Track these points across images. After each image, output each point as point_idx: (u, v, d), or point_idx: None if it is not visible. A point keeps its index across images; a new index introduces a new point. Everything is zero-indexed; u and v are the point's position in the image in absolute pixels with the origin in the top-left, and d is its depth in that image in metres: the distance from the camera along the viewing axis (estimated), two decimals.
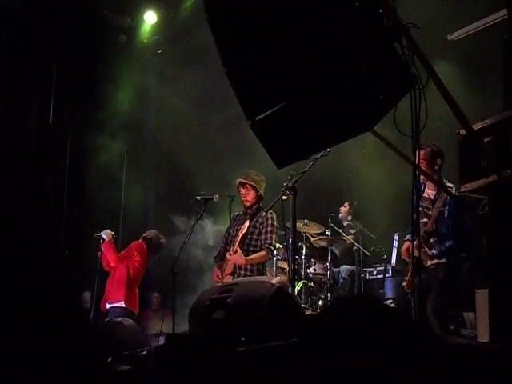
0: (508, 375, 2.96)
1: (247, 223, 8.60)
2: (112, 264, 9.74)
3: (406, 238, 7.90)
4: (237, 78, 3.95)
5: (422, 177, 7.41)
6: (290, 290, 6.65)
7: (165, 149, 13.16)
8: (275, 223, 8.59)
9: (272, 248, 8.57)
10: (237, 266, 8.48)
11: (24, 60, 11.57)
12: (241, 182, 8.71)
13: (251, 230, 8.59)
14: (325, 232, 11.25)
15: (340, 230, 11.32)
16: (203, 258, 10.81)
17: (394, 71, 3.58)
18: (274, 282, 5.03)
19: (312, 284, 10.87)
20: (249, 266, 8.47)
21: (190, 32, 12.20)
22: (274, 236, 8.55)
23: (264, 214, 8.59)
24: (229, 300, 4.91)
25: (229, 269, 8.52)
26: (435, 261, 7.53)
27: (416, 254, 5.40)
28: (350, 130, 3.80)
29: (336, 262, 11.39)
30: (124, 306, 9.52)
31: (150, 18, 12.98)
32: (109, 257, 9.71)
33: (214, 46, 4.18)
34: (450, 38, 10.62)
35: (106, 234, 9.80)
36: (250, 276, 8.33)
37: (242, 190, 8.73)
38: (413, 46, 3.60)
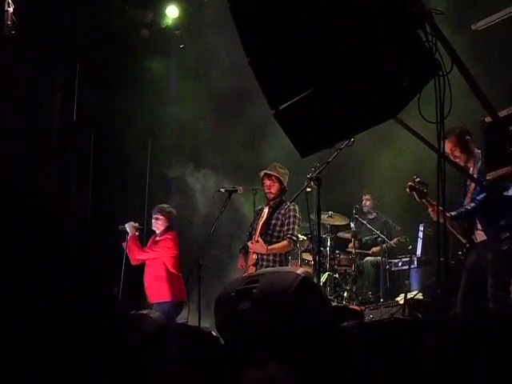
0: None
1: (266, 210, 8.73)
2: (137, 258, 9.70)
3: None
4: (260, 67, 3.94)
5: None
6: (315, 281, 6.64)
7: (187, 142, 13.17)
8: (297, 214, 8.68)
9: (294, 238, 8.64)
10: (259, 257, 8.57)
11: (47, 58, 11.63)
12: (266, 174, 8.78)
13: (273, 222, 8.70)
14: (349, 224, 11.23)
15: (365, 222, 11.30)
16: (228, 251, 10.83)
17: (418, 57, 3.56)
18: (299, 272, 5.01)
19: (337, 275, 10.88)
20: (271, 257, 8.58)
21: (212, 26, 12.24)
22: (296, 227, 8.64)
23: (287, 205, 8.65)
24: (254, 291, 4.91)
25: (251, 260, 8.61)
26: (482, 238, 7.47)
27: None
28: (374, 118, 3.78)
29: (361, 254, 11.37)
30: (171, 300, 9.47)
31: (171, 12, 12.98)
32: (132, 252, 9.64)
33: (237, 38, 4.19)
34: (474, 27, 10.54)
35: (129, 227, 9.72)
36: (273, 267, 8.39)
37: (267, 182, 8.83)
38: (436, 32, 3.58)
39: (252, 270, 8.50)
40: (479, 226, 7.51)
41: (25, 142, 10.97)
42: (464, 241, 7.64)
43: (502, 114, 4.47)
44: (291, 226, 8.62)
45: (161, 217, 9.80)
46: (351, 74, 3.64)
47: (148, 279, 9.67)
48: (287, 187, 8.86)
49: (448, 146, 7.33)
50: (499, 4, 10.03)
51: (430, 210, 7.52)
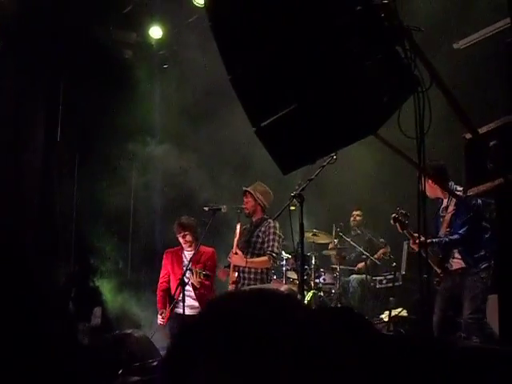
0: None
1: (238, 227, 8.97)
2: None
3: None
4: (241, 84, 3.96)
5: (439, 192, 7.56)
6: (299, 299, 6.65)
7: (172, 161, 13.17)
8: (277, 231, 8.82)
9: (274, 255, 8.77)
10: (241, 275, 8.66)
11: (31, 77, 11.63)
12: (244, 191, 9.07)
13: (254, 240, 8.91)
14: (333, 241, 11.25)
15: (349, 239, 11.31)
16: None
17: (397, 74, 3.59)
18: (282, 289, 5.04)
19: (322, 294, 10.88)
20: (252, 276, 8.72)
21: (195, 46, 12.29)
22: (275, 244, 8.76)
23: (267, 223, 8.76)
24: None
25: (232, 277, 8.70)
26: (458, 266, 7.59)
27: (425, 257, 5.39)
28: (354, 134, 3.81)
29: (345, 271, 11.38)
30: None
31: (155, 32, 13.00)
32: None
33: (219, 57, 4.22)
34: (456, 46, 10.63)
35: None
36: (254, 285, 8.46)
37: (244, 199, 9.11)
38: (415, 49, 3.62)
39: (232, 287, 8.59)
40: (456, 255, 7.64)
41: (10, 158, 10.97)
42: (438, 270, 7.76)
43: (483, 130, 4.51)
44: (271, 243, 8.75)
45: (190, 230, 9.63)
46: (331, 90, 3.66)
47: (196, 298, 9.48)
48: (267, 205, 8.98)
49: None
50: (481, 23, 10.11)
51: (411, 242, 7.71)
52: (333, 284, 11.11)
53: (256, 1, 3.82)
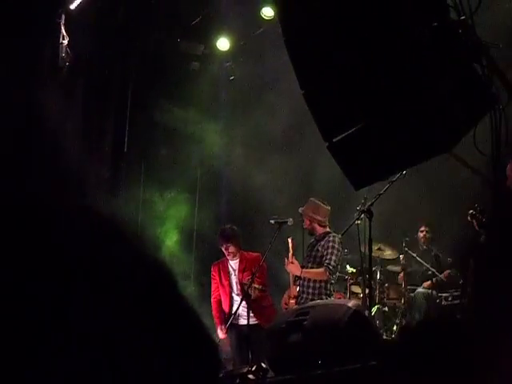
0: None
1: (290, 240, 9.05)
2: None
3: None
4: (314, 99, 3.96)
5: None
6: (366, 314, 6.62)
7: (238, 174, 13.23)
8: (336, 245, 8.82)
9: (331, 267, 8.72)
10: (301, 289, 8.69)
11: (101, 89, 11.81)
12: (300, 213, 9.16)
13: (314, 254, 8.97)
14: (398, 257, 11.14)
15: (414, 255, 11.18)
16: (275, 282, 10.81)
17: (474, 90, 3.55)
18: (350, 305, 5.01)
19: (386, 309, 10.79)
20: (311, 290, 8.75)
21: (262, 58, 12.34)
22: (334, 257, 8.76)
23: (328, 237, 8.80)
24: (305, 323, 4.91)
25: (293, 291, 8.73)
26: None
27: None
28: (428, 151, 3.78)
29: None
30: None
31: (222, 44, 13.07)
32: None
33: (287, 70, 4.23)
34: None
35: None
36: (312, 299, 8.47)
37: (302, 218, 9.13)
38: (492, 65, 3.57)
39: (293, 302, 8.63)
40: None
41: (78, 174, 11.12)
42: None
43: None
44: (329, 256, 8.75)
45: (236, 242, 9.57)
46: (406, 106, 3.64)
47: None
48: (323, 218, 9.03)
49: (508, 169, 7.28)
50: None
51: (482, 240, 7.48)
52: (397, 299, 11.01)
53: (331, 16, 3.81)
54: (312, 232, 9.09)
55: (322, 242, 8.90)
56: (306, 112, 4.05)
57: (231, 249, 9.47)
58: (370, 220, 7.47)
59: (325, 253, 8.80)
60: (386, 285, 11.16)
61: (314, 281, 8.83)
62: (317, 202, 9.13)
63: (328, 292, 8.86)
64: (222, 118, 13.61)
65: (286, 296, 9.11)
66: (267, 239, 9.27)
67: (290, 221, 8.94)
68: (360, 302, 9.29)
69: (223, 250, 9.55)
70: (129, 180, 12.27)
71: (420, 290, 11.05)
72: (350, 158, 3.93)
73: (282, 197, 11.86)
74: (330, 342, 4.71)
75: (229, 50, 13.10)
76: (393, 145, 3.75)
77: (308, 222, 9.02)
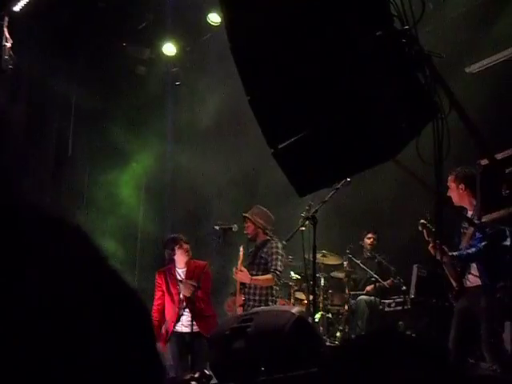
0: None
1: (241, 249, 9.08)
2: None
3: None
4: (259, 106, 3.96)
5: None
6: (310, 320, 6.64)
7: (183, 180, 13.22)
8: (279, 250, 9.00)
9: (278, 273, 8.84)
10: (246, 297, 8.74)
11: (45, 91, 11.69)
12: (243, 216, 9.20)
13: (257, 261, 9.06)
14: (342, 263, 11.21)
15: (358, 262, 11.26)
16: (220, 290, 10.80)
17: (417, 100, 3.59)
18: (294, 311, 5.02)
19: (330, 315, 10.85)
20: (257, 297, 8.85)
21: (208, 64, 12.35)
22: (278, 262, 8.92)
23: (269, 243, 8.88)
24: (249, 329, 4.90)
25: (239, 300, 8.76)
26: (474, 283, 7.49)
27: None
28: (372, 159, 3.81)
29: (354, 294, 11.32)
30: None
31: (168, 49, 13.03)
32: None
33: (232, 76, 4.23)
34: (468, 70, 10.61)
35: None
36: (258, 306, 8.51)
37: (245, 224, 9.22)
38: (435, 75, 3.61)
39: (240, 310, 8.64)
40: (472, 271, 7.54)
41: (22, 174, 10.99)
42: (454, 284, 7.66)
43: (499, 156, 4.50)
44: (274, 262, 8.89)
45: (185, 248, 9.44)
46: (350, 114, 3.66)
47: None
48: (268, 227, 9.16)
49: (448, 181, 7.43)
50: (494, 47, 10.12)
51: (430, 247, 7.54)
52: (341, 305, 11.08)
53: (277, 24, 3.82)
54: (255, 238, 9.16)
55: (265, 249, 8.97)
56: (251, 118, 4.06)
57: (187, 247, 9.39)
58: (315, 227, 7.50)
59: (269, 259, 8.86)
60: (330, 291, 11.22)
61: (260, 288, 8.87)
62: (264, 209, 9.18)
63: (273, 298, 8.93)
64: (168, 121, 13.60)
65: (229, 301, 9.14)
66: (211, 245, 9.28)
67: (235, 227, 8.96)
68: (304, 309, 9.34)
69: (178, 250, 9.36)
70: (72, 182, 12.17)
71: (363, 296, 11.14)
72: (295, 164, 3.94)
73: (226, 201, 11.89)
74: (274, 349, 4.71)
75: (175, 55, 13.08)
76: (337, 152, 3.77)
77: (253, 228, 9.05)
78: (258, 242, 9.16)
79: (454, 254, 7.50)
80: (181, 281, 9.08)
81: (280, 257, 8.94)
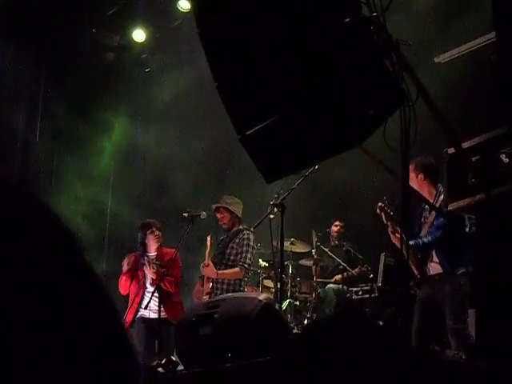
0: None
1: (208, 238, 9.00)
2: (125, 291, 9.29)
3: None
4: (227, 92, 3.96)
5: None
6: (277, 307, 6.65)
7: (151, 167, 13.19)
8: (251, 242, 8.96)
9: (246, 266, 8.89)
10: (214, 286, 8.76)
11: (13, 77, 11.59)
12: (216, 207, 9.14)
13: (228, 251, 9.03)
14: (310, 251, 11.23)
15: (326, 249, 11.30)
16: (187, 277, 10.78)
17: (384, 87, 3.60)
18: (261, 298, 5.02)
19: (298, 303, 10.88)
20: (225, 286, 8.89)
21: (177, 50, 12.31)
22: (248, 255, 8.90)
23: (242, 234, 8.84)
24: (216, 316, 4.89)
25: (206, 288, 8.77)
26: (436, 271, 7.54)
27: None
28: (339, 145, 3.82)
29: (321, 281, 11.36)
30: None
31: (138, 36, 12.96)
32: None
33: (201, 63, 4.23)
34: (436, 60, 10.64)
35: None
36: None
37: (218, 215, 9.18)
38: (403, 63, 3.63)
39: (207, 298, 8.62)
40: (434, 259, 7.59)
41: None
42: (416, 272, 7.71)
43: (465, 145, 4.52)
44: (244, 255, 8.87)
45: (157, 234, 9.49)
46: (317, 101, 3.67)
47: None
48: (240, 215, 9.11)
49: (412, 168, 7.46)
50: (463, 38, 10.17)
51: (390, 231, 7.58)
52: (309, 293, 11.11)
53: (246, 10, 3.82)
54: (231, 228, 9.11)
55: (237, 240, 8.95)
56: (220, 104, 4.05)
57: (158, 233, 9.39)
58: (283, 214, 7.50)
59: (239, 250, 8.84)
60: (298, 279, 11.24)
61: (228, 280, 8.86)
62: (236, 198, 9.17)
63: (242, 288, 8.92)
64: (137, 108, 13.54)
65: (197, 289, 9.13)
66: (180, 232, 9.25)
67: (203, 214, 8.93)
68: (272, 296, 9.35)
69: (150, 235, 9.37)
70: (40, 170, 12.10)
71: (331, 285, 11.19)
72: (263, 151, 3.95)
73: (194, 188, 11.89)
74: (240, 335, 4.71)
75: (145, 41, 13.01)
76: (304, 138, 3.78)
77: (229, 217, 9.03)
78: (231, 232, 9.12)
79: (411, 242, 7.53)
80: (147, 261, 9.07)
81: (251, 249, 8.93)
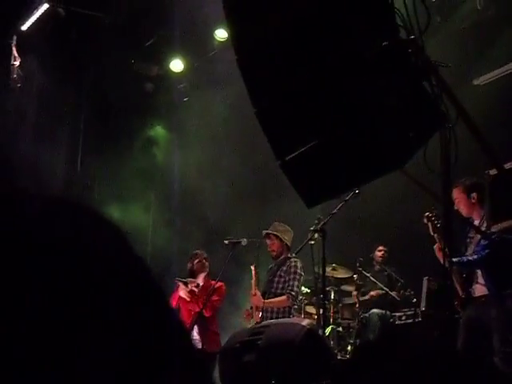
0: None
1: (253, 267, 9.05)
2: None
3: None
4: (266, 118, 3.97)
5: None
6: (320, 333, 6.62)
7: (191, 199, 13.24)
8: (298, 270, 8.90)
9: (293, 294, 8.80)
10: (264, 314, 8.76)
11: (53, 111, 11.74)
12: (266, 234, 9.07)
13: (277, 279, 8.94)
14: (352, 276, 11.17)
15: (369, 275, 11.22)
16: (230, 302, 10.78)
17: (424, 109, 3.59)
18: (304, 323, 5.01)
19: (341, 329, 10.81)
20: (274, 315, 8.78)
21: (216, 79, 12.39)
22: (296, 283, 8.83)
23: (289, 262, 8.80)
24: (259, 342, 4.89)
25: (256, 317, 8.81)
26: (482, 293, 7.42)
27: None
28: (380, 169, 3.81)
29: (365, 307, 11.27)
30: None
31: (176, 66, 13.07)
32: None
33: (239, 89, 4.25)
34: (476, 82, 10.61)
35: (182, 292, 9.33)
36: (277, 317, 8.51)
37: (268, 242, 9.10)
38: (442, 85, 3.62)
39: (258, 312, 8.70)
40: (479, 280, 7.48)
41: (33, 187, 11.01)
42: (460, 292, 7.60)
43: (507, 166, 4.50)
44: (291, 283, 8.79)
45: (203, 267, 9.69)
46: (357, 125, 3.67)
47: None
48: (290, 244, 9.03)
49: (454, 195, 7.37)
50: (501, 59, 10.12)
51: (436, 247, 7.48)
52: (352, 319, 11.04)
53: (282, 36, 3.84)
54: (279, 256, 9.05)
55: (284, 268, 8.90)
56: (259, 131, 4.07)
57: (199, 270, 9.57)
58: (324, 239, 7.48)
59: (287, 278, 8.79)
60: (341, 305, 11.18)
61: (277, 307, 8.82)
62: (286, 226, 9.15)
63: (291, 316, 8.90)
64: (180, 135, 13.64)
65: (247, 312, 9.12)
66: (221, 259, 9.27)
67: (244, 241, 8.92)
68: (314, 322, 9.31)
69: (197, 263, 9.60)
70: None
71: (375, 310, 11.09)
72: (302, 176, 3.95)
73: (234, 213, 11.93)
74: (284, 361, 4.70)
75: (182, 71, 13.12)
76: (344, 162, 3.78)
77: (279, 244, 8.98)
78: (279, 260, 9.07)
79: (454, 260, 7.42)
80: (186, 282, 9.15)
81: (298, 276, 8.87)
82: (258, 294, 8.78)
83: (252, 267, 9.03)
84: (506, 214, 4.54)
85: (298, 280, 8.87)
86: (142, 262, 1.02)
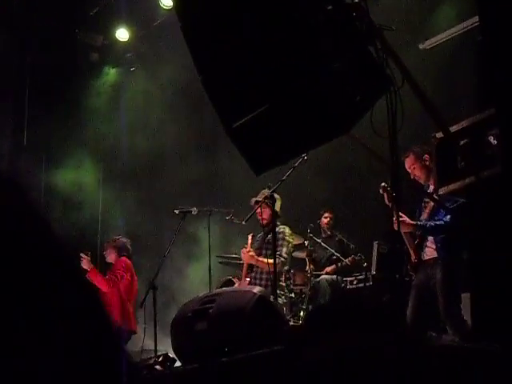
0: (488, 374, 2.96)
1: (249, 237, 9.04)
2: (104, 290, 9.41)
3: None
4: (212, 85, 3.94)
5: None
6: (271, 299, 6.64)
7: (140, 166, 13.13)
8: (286, 237, 9.05)
9: (282, 259, 8.88)
10: (253, 282, 8.89)
11: None
12: (256, 201, 8.94)
13: (266, 246, 9.01)
14: (303, 243, 11.20)
15: (319, 241, 11.27)
16: (181, 273, 10.78)
17: (369, 73, 3.59)
18: (255, 291, 5.01)
19: (293, 295, 10.87)
20: (263, 282, 8.87)
21: (162, 48, 12.27)
22: (284, 249, 8.96)
23: (278, 228, 8.83)
24: (211, 311, 4.88)
25: (244, 283, 8.84)
26: (431, 255, 7.49)
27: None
28: (327, 134, 3.80)
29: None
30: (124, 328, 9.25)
31: (122, 35, 12.89)
32: (99, 285, 9.32)
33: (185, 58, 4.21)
34: (421, 47, 10.65)
35: (84, 264, 9.32)
36: (264, 286, 8.63)
37: (258, 210, 8.91)
38: (387, 48, 3.61)
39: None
40: (429, 244, 7.55)
41: None
42: (413, 256, 7.68)
43: (453, 128, 4.51)
44: (279, 248, 8.83)
45: (108, 249, 9.97)
46: (302, 90, 3.65)
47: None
48: (279, 211, 9.01)
49: (407, 165, 7.43)
50: (447, 23, 10.18)
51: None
52: (303, 285, 11.08)
53: (226, 3, 3.80)
54: (269, 224, 8.92)
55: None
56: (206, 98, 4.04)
57: (108, 253, 10.08)
58: (274, 206, 7.49)
59: (276, 244, 8.77)
60: (292, 271, 11.22)
61: (267, 272, 8.79)
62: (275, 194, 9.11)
63: (281, 281, 8.96)
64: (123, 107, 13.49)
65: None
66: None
67: (195, 210, 8.93)
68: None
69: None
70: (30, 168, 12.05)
71: (324, 275, 11.16)
72: (250, 143, 3.93)
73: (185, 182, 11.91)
74: (236, 329, 4.70)
75: (128, 40, 12.96)
76: (291, 128, 3.77)
77: (270, 213, 8.89)
78: (267, 229, 9.04)
79: (419, 223, 7.50)
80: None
81: (286, 243, 8.97)
82: (252, 252, 8.82)
83: (249, 236, 9.04)
84: (452, 177, 4.56)
85: (287, 246, 8.97)
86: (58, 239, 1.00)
